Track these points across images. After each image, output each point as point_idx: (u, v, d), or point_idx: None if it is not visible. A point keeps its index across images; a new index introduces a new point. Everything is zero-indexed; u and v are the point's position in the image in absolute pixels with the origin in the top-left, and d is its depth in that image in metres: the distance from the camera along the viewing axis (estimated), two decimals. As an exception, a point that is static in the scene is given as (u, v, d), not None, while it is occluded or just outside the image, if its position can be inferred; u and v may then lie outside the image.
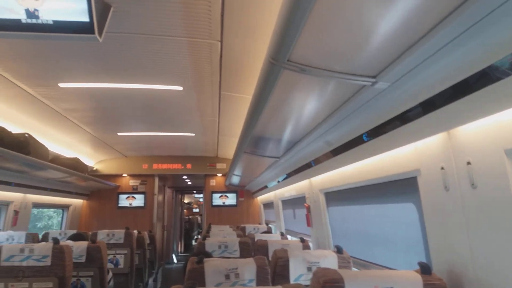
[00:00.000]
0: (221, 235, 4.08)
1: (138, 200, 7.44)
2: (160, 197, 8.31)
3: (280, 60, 1.36)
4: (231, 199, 7.80)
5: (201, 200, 19.92)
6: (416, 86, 1.40)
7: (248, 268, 2.00)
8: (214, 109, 4.15)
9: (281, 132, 2.68)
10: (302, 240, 3.08)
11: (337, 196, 3.15)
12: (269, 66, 1.46)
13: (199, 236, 16.99)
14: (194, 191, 14.71)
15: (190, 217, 16.21)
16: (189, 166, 7.56)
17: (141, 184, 7.50)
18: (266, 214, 7.19)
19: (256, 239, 3.56)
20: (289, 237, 4.38)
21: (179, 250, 11.71)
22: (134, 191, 7.47)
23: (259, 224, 6.92)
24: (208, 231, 4.50)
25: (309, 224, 3.77)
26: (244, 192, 7.79)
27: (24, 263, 2.19)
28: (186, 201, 16.60)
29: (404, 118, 1.59)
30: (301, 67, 1.39)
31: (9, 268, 2.16)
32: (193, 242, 14.85)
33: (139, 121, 4.82)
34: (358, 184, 2.58)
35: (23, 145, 3.63)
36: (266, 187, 6.29)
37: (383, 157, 2.12)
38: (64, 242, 2.56)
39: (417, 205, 1.95)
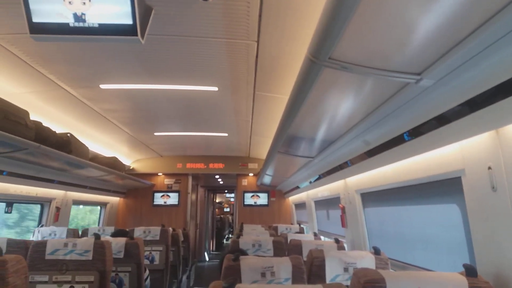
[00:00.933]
0: (254, 234, 4.09)
1: (173, 199, 7.61)
2: (193, 196, 8.45)
3: (321, 58, 1.35)
4: (262, 199, 7.81)
5: (232, 199, 20.10)
6: (463, 83, 1.34)
7: (283, 267, 2.00)
8: (248, 109, 4.17)
9: (317, 131, 2.65)
10: (337, 241, 3.03)
11: (374, 197, 3.08)
12: (309, 64, 1.45)
13: (231, 235, 17.19)
14: (226, 191, 14.86)
15: (222, 216, 16.34)
16: (221, 165, 7.64)
17: (176, 183, 7.67)
18: (298, 215, 7.15)
19: (289, 239, 3.55)
20: (322, 238, 4.33)
21: (211, 248, 11.85)
22: (168, 189, 7.65)
23: (291, 224, 6.90)
24: (241, 230, 4.53)
25: (343, 225, 3.71)
26: (276, 192, 7.79)
27: (68, 257, 2.28)
28: (217, 200, 16.77)
29: (449, 117, 1.53)
30: (343, 65, 1.37)
31: (53, 261, 2.26)
32: (224, 241, 14.99)
33: (175, 122, 4.92)
34: (397, 184, 2.51)
35: (65, 144, 3.79)
36: (297, 187, 6.25)
37: (424, 157, 2.05)
38: (104, 238, 2.65)
39: (461, 206, 1.88)
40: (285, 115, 2.49)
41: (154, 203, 7.56)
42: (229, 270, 1.99)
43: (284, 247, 3.11)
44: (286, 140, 3.09)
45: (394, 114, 1.87)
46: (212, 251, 11.88)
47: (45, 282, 2.20)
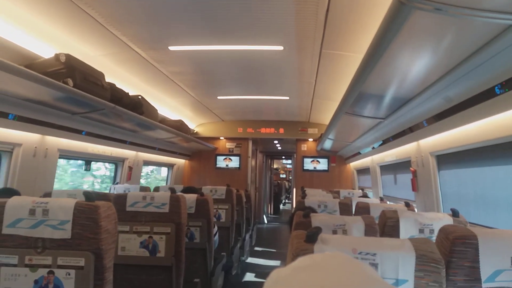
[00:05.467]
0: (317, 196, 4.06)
1: (234, 162, 7.83)
2: (253, 162, 8.59)
3: (413, -2, 1.23)
4: (322, 164, 7.73)
5: (288, 166, 20.21)
6: None
7: (356, 226, 1.95)
8: (312, 69, 4.04)
9: (392, 89, 2.51)
10: (407, 205, 2.92)
11: (452, 159, 2.89)
12: (397, 7, 1.33)
13: (287, 201, 17.41)
14: (283, 157, 14.93)
15: (279, 182, 16.55)
16: (281, 130, 7.63)
17: (237, 147, 7.84)
18: (360, 181, 7.00)
19: (354, 202, 3.48)
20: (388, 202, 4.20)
21: (269, 212, 12.12)
22: (230, 153, 7.84)
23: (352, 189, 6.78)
24: (303, 192, 4.54)
25: (414, 189, 3.56)
26: (336, 158, 7.66)
27: (146, 209, 2.43)
28: (274, 166, 16.95)
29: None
30: (436, 6, 1.24)
31: (133, 213, 2.41)
32: (281, 206, 15.23)
33: (237, 85, 4.94)
34: (481, 144, 2.31)
35: (137, 105, 3.97)
36: (359, 153, 6.09)
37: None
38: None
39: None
40: (359, 70, 2.36)
41: (217, 165, 7.83)
42: (300, 226, 1.99)
43: (350, 209, 3.06)
44: (357, 99, 2.96)
45: (486, 65, 1.69)
46: (270, 214, 12.15)
47: (127, 232, 2.36)
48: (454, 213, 2.15)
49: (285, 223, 10.44)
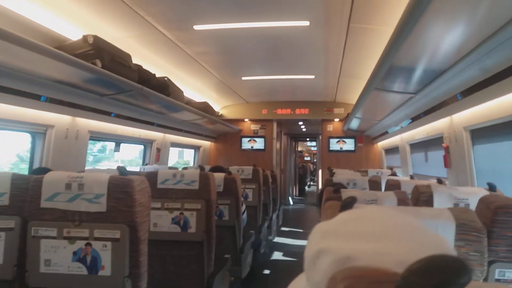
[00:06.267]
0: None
1: (259, 144, 7.82)
2: (277, 143, 8.57)
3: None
4: (349, 145, 7.62)
5: (313, 148, 20.05)
6: None
7: (388, 201, 1.90)
8: (339, 45, 3.93)
9: (424, 60, 2.40)
10: (440, 181, 2.83)
11: (487, 133, 2.77)
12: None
13: (312, 183, 17.36)
14: (308, 139, 14.80)
15: (303, 164, 16.49)
16: (306, 111, 7.53)
17: (261, 128, 7.82)
18: (388, 160, 6.86)
19: (384, 180, 3.42)
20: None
21: (295, 194, 12.13)
22: (255, 135, 7.83)
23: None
24: (331, 171, 4.49)
25: (447, 165, 3.45)
26: (363, 138, 7.52)
27: (177, 186, 2.45)
28: (298, 149, 16.87)
29: None
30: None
31: (164, 190, 2.44)
32: (306, 188, 15.21)
33: (262, 64, 4.89)
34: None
35: (164, 87, 4.00)
36: (386, 132, 5.94)
37: None
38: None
39: None
40: (390, 42, 2.27)
41: (242, 147, 7.85)
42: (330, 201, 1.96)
43: (380, 187, 3.00)
44: (387, 74, 2.86)
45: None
46: (296, 196, 12.16)
47: (158, 209, 2.40)
48: (491, 187, 2.06)
49: (310, 205, 10.43)
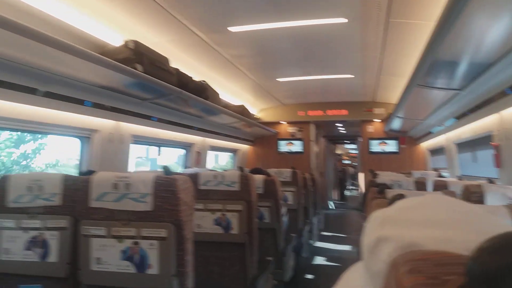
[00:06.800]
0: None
1: (296, 146, 7.75)
2: (316, 146, 8.44)
3: None
4: (391, 146, 7.37)
5: (352, 151, 19.61)
6: None
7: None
8: (377, 42, 3.82)
9: (469, 54, 2.27)
10: (490, 181, 2.65)
11: None
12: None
13: (352, 187, 16.95)
14: (347, 141, 14.48)
15: (343, 167, 16.15)
16: (344, 112, 7.38)
17: (298, 131, 7.73)
18: (433, 162, 6.57)
19: (429, 181, 3.26)
20: (466, 182, 3.88)
21: (335, 198, 11.89)
22: (292, 137, 7.76)
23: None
24: (373, 173, 4.34)
25: (498, 165, 3.24)
26: (406, 139, 7.24)
27: (218, 187, 2.45)
28: (337, 152, 16.56)
29: None
30: None
31: (205, 191, 2.44)
32: (347, 192, 14.87)
33: (297, 65, 4.85)
34: None
35: (202, 90, 4.03)
36: (430, 133, 5.70)
37: None
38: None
39: None
40: (432, 36, 2.17)
41: (279, 150, 7.79)
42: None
43: (426, 188, 2.86)
44: (430, 69, 2.74)
45: None
46: (336, 200, 11.91)
47: (201, 210, 2.40)
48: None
49: (352, 209, 10.18)
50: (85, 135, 3.16)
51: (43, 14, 2.37)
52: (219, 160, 7.76)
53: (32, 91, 2.38)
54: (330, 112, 7.41)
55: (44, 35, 1.90)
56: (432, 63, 2.57)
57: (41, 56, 2.15)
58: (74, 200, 1.55)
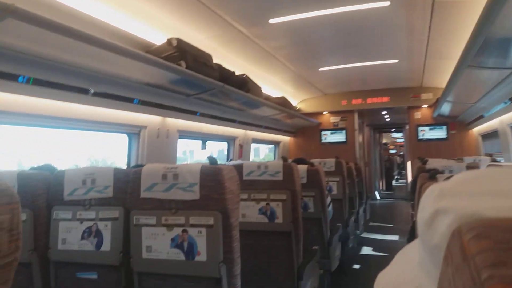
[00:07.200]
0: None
1: (340, 136, 7.59)
2: (360, 136, 8.24)
3: None
4: (440, 132, 7.03)
5: (399, 140, 18.95)
6: None
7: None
8: (424, 24, 3.65)
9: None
10: None
11: None
12: None
13: (400, 177, 16.39)
14: (393, 129, 13.99)
15: (389, 156, 15.65)
16: (389, 99, 7.13)
17: (341, 120, 7.57)
18: (486, 147, 6.20)
19: (482, 166, 3.09)
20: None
21: (381, 188, 11.57)
22: (334, 127, 7.62)
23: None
24: (422, 159, 4.18)
25: None
26: (456, 124, 6.88)
27: (261, 177, 2.48)
28: (383, 141, 16.05)
29: None
30: None
31: (250, 182, 2.48)
32: (394, 182, 14.41)
33: (339, 53, 4.75)
34: None
35: (243, 84, 4.08)
36: (482, 116, 5.37)
37: None
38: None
39: None
40: (484, 12, 2.04)
41: (322, 141, 7.69)
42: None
43: (479, 173, 2.70)
44: (482, 48, 2.58)
45: None
46: (383, 190, 11.58)
47: (245, 200, 2.45)
48: None
49: (399, 199, 9.86)
50: (134, 132, 3.31)
51: (91, 18, 2.51)
52: (260, 153, 7.80)
53: (85, 91, 2.53)
54: (374, 100, 7.19)
55: (97, 39, 2.02)
56: (484, 42, 2.42)
57: (93, 58, 2.29)
58: (125, 192, 1.64)
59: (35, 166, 1.86)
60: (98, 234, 1.65)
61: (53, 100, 2.38)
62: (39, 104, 2.33)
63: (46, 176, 1.75)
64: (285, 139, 7.46)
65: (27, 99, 2.23)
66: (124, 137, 3.38)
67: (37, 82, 2.18)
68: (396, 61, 5.12)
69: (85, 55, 2.21)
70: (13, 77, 2.05)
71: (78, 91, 2.48)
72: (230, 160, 5.01)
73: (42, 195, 1.70)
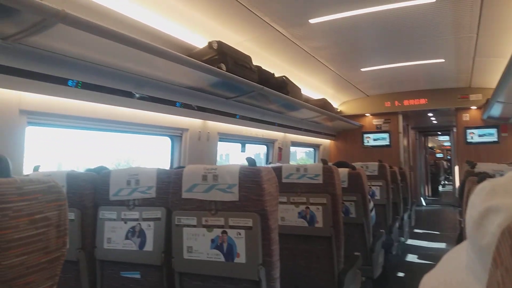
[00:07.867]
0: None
1: (383, 140, 7.33)
2: (404, 140, 7.93)
3: None
4: (490, 135, 6.61)
5: (445, 144, 18.09)
6: None
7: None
8: (472, 21, 3.46)
9: None
10: None
11: None
12: None
13: (447, 182, 15.64)
14: (439, 132, 13.37)
15: (436, 161, 14.99)
16: (436, 100, 6.80)
17: (385, 122, 7.32)
18: None
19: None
20: None
21: (427, 194, 11.07)
22: (378, 130, 7.39)
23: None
24: (471, 163, 3.95)
25: None
26: (508, 126, 6.45)
27: (301, 180, 2.44)
28: (429, 145, 15.39)
29: None
30: None
31: (289, 184, 2.46)
32: (440, 188, 13.77)
33: (382, 52, 4.61)
34: None
35: (283, 86, 4.06)
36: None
37: None
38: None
39: None
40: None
41: (364, 144, 7.47)
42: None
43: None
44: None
45: None
46: (428, 196, 11.09)
47: (284, 203, 2.42)
48: None
49: (446, 206, 9.40)
50: (177, 134, 3.39)
51: (135, 22, 2.59)
52: (296, 157, 7.72)
53: (130, 94, 2.62)
54: (420, 101, 6.86)
55: (144, 43, 2.08)
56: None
57: (138, 62, 2.37)
58: (167, 192, 1.67)
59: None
60: (141, 234, 1.69)
61: (100, 103, 2.47)
62: (86, 107, 2.44)
63: (93, 176, 1.82)
64: (326, 142, 7.33)
65: (76, 102, 2.34)
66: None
67: (86, 86, 2.28)
68: (442, 60, 4.89)
69: (130, 59, 2.29)
70: (63, 81, 2.15)
71: (123, 95, 2.57)
72: (269, 163, 5.00)
73: (89, 195, 1.77)
